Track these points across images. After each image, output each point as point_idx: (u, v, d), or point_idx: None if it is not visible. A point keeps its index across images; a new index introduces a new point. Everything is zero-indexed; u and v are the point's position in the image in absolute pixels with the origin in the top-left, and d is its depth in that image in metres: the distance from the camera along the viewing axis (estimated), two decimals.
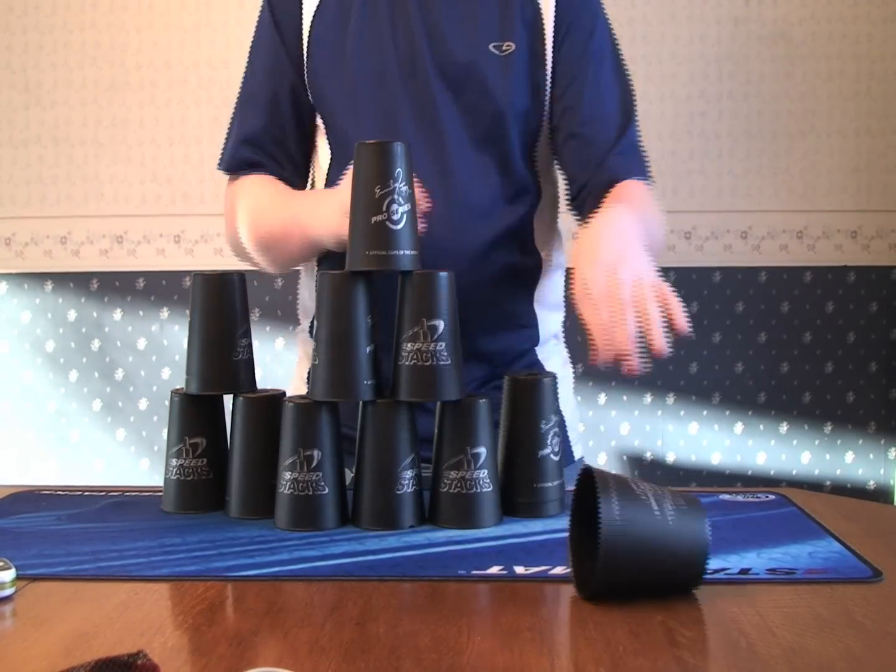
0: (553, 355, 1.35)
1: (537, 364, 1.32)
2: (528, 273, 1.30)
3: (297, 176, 1.32)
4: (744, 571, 0.86)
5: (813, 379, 2.66)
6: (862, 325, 2.66)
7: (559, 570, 0.86)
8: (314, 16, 1.27)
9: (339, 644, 0.71)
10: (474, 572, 0.86)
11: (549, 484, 1.04)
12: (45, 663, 0.67)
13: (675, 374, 2.64)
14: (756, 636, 0.72)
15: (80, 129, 2.62)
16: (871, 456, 2.66)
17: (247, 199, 1.29)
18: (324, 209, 1.16)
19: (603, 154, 1.24)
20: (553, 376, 1.07)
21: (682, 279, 2.64)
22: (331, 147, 1.29)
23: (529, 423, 1.04)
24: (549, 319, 1.34)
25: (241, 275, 1.10)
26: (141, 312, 2.66)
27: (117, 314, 2.66)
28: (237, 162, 1.31)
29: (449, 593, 0.82)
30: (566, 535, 0.83)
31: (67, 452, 2.68)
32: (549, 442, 1.04)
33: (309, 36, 1.27)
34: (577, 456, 1.33)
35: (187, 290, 2.68)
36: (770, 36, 2.59)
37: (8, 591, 0.80)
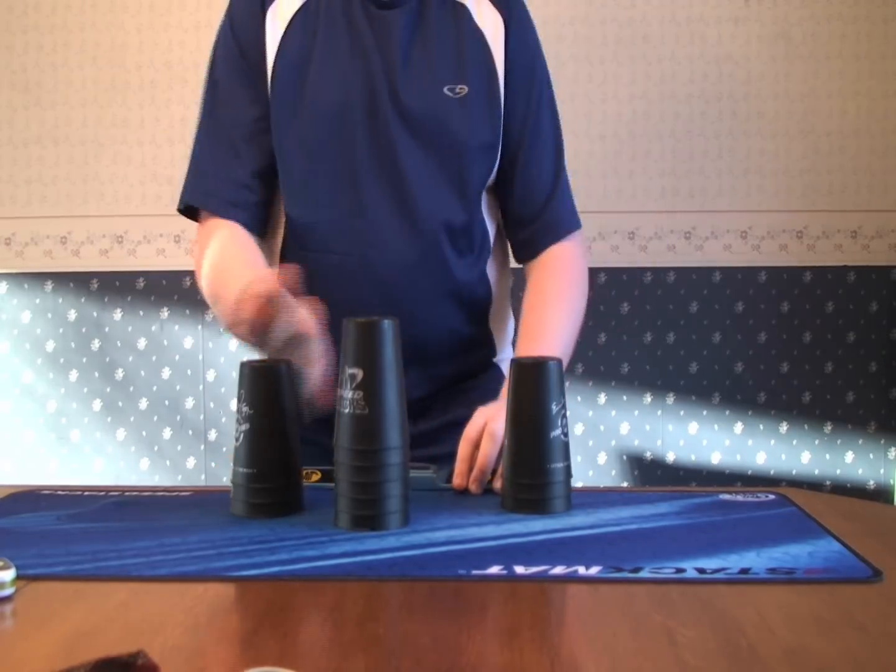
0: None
1: (500, 374, 1.39)
2: (481, 300, 1.37)
3: (265, 218, 1.32)
4: (744, 571, 0.86)
5: (813, 379, 2.66)
6: (862, 325, 2.66)
7: (559, 569, 0.86)
8: (278, 48, 1.28)
9: (339, 644, 0.71)
10: (474, 572, 0.86)
11: (559, 464, 1.04)
12: (45, 663, 0.67)
13: (675, 374, 2.64)
14: (756, 636, 0.72)
15: (80, 129, 2.62)
16: (871, 456, 2.66)
17: (212, 249, 1.27)
18: (232, 286, 1.12)
19: (541, 204, 1.35)
20: (558, 360, 1.07)
21: (682, 279, 2.64)
22: (284, 187, 1.30)
23: (537, 406, 1.04)
24: (505, 332, 1.43)
25: None
26: (141, 312, 2.66)
27: (117, 314, 2.66)
28: (219, 201, 1.29)
29: (449, 593, 0.82)
30: (566, 534, 0.82)
31: (67, 452, 2.68)
32: (558, 423, 1.04)
33: (273, 69, 1.27)
34: None
35: (187, 290, 2.69)
36: (770, 36, 2.59)
37: (8, 591, 0.80)
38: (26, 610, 0.79)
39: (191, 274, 2.69)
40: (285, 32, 1.27)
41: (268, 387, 1.04)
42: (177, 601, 0.81)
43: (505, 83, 1.31)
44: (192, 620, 0.76)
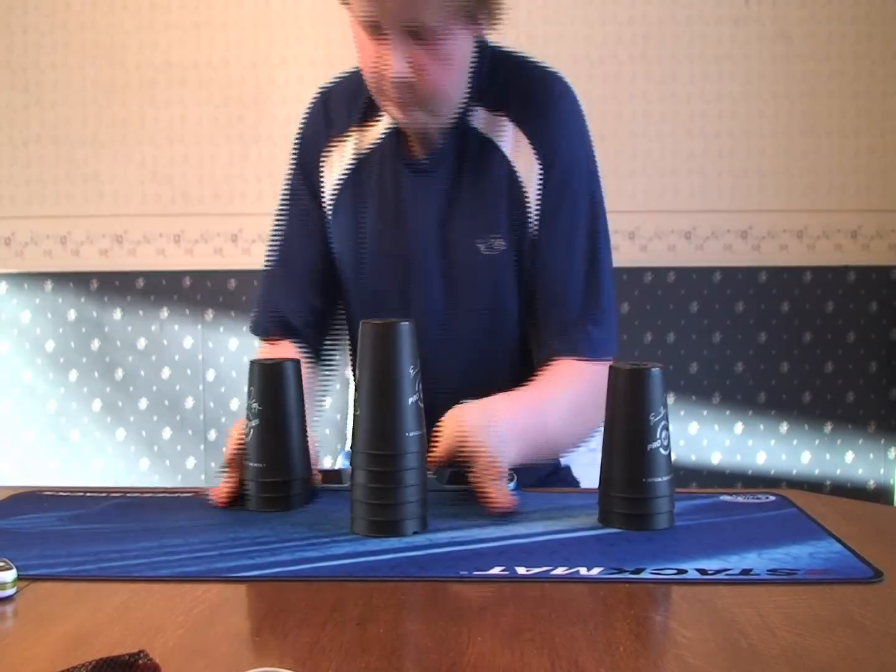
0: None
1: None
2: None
3: (327, 335, 1.40)
4: (745, 572, 0.86)
5: (813, 379, 2.66)
6: (862, 325, 2.66)
7: (560, 570, 0.86)
8: (333, 204, 1.33)
9: (340, 644, 0.71)
10: (475, 573, 0.86)
11: (659, 479, 1.01)
12: (46, 663, 0.68)
13: (675, 374, 2.65)
14: (756, 636, 0.72)
15: (80, 129, 2.62)
16: (871, 456, 2.66)
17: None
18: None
19: (558, 330, 1.24)
20: (661, 368, 1.03)
21: (682, 279, 2.64)
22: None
23: (636, 416, 1.00)
24: None
25: None
26: (141, 312, 2.66)
27: (117, 314, 2.66)
28: (270, 331, 1.37)
29: (450, 594, 0.82)
30: (567, 535, 0.82)
31: (67, 452, 2.68)
32: (658, 435, 1.01)
33: (334, 202, 1.33)
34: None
35: (187, 290, 2.69)
36: (770, 36, 2.59)
37: (9, 592, 0.81)
38: (27, 610, 0.79)
39: (190, 274, 2.70)
40: (340, 189, 1.32)
41: (275, 384, 1.07)
42: (178, 602, 0.81)
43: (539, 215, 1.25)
44: (193, 621, 0.76)
